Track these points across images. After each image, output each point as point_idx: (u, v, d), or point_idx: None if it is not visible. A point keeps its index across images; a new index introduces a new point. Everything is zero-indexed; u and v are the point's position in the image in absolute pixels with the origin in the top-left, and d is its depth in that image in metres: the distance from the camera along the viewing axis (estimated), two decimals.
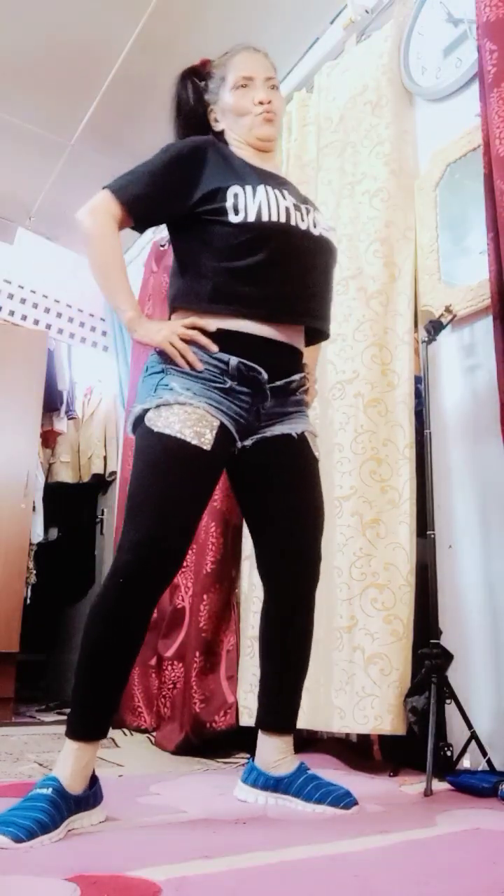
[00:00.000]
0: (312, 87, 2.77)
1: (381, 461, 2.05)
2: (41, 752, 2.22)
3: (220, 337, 1.43)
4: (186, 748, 2.26)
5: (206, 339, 1.42)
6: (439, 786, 1.61)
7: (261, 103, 1.60)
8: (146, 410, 1.40)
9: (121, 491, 3.26)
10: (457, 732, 1.74)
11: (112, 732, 2.68)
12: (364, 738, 2.05)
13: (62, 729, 3.07)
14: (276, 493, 1.53)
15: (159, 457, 1.37)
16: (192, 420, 1.37)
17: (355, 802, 1.42)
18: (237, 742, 2.21)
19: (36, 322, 3.90)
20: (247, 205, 1.44)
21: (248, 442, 1.49)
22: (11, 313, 3.83)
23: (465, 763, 1.71)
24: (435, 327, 1.99)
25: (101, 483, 4.29)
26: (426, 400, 1.96)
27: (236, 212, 1.44)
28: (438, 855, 1.12)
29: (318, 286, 1.53)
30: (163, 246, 3.49)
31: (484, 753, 1.67)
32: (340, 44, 2.71)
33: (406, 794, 1.59)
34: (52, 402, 4.04)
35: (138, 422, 1.43)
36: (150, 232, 3.80)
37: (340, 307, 2.27)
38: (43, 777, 1.29)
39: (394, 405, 2.10)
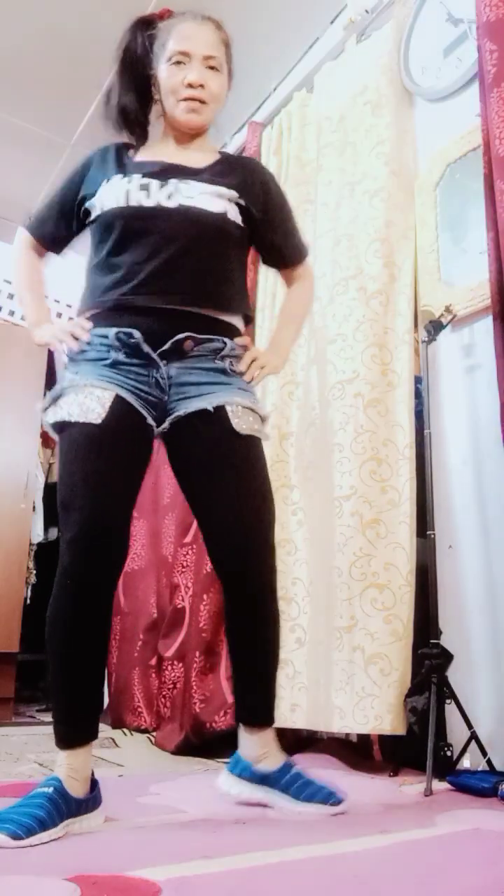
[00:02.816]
0: (312, 87, 2.77)
1: (381, 461, 2.05)
2: (41, 752, 2.22)
3: (99, 318, 1.44)
4: (186, 748, 2.26)
5: (82, 327, 1.45)
6: (439, 786, 1.61)
7: (189, 86, 1.47)
8: (45, 412, 1.42)
9: None
10: (457, 732, 1.74)
11: (112, 732, 2.68)
12: (364, 738, 2.05)
13: None
14: (200, 477, 1.44)
15: (62, 448, 1.37)
16: (78, 400, 1.36)
17: (341, 800, 1.39)
18: (237, 742, 2.20)
19: None
20: (103, 198, 1.46)
21: (166, 424, 1.42)
22: (11, 313, 3.83)
23: (465, 763, 1.71)
24: (435, 327, 1.99)
25: None
26: (426, 400, 1.96)
27: (98, 206, 1.47)
28: (438, 855, 1.12)
29: (183, 259, 1.42)
30: None
31: (484, 753, 1.67)
32: (340, 44, 2.71)
33: (406, 794, 1.59)
34: None
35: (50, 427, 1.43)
36: None
37: (340, 307, 2.27)
38: (45, 777, 1.28)
39: (394, 405, 2.10)
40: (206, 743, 2.24)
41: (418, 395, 2.07)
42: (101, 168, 1.53)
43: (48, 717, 3.30)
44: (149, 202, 1.43)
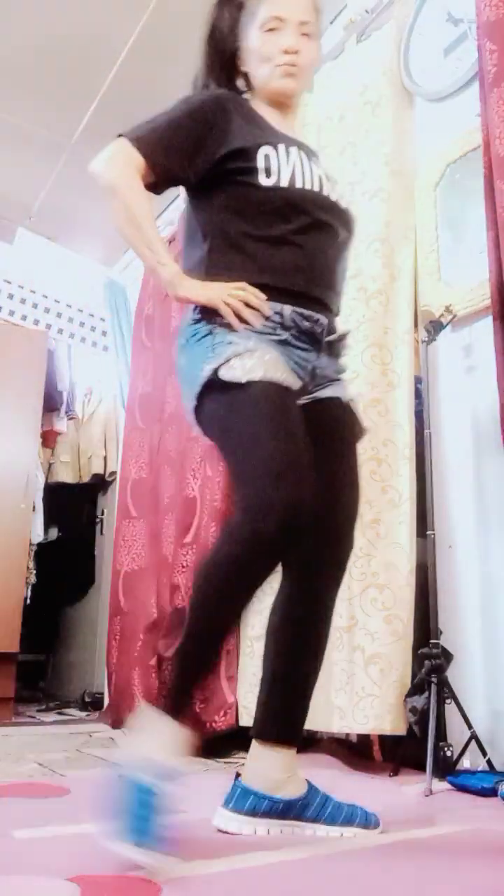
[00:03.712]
0: (313, 86, 2.77)
1: (381, 461, 2.05)
2: (41, 752, 2.22)
3: (271, 293, 1.30)
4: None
5: (257, 296, 1.28)
6: (439, 786, 1.60)
7: (285, 52, 1.38)
8: (216, 370, 1.22)
9: (120, 491, 3.25)
10: (457, 732, 1.74)
11: (112, 732, 2.69)
12: (364, 738, 2.05)
13: (62, 729, 3.09)
14: (321, 459, 1.31)
15: (259, 407, 1.20)
16: (271, 363, 1.23)
17: (378, 821, 1.27)
18: (237, 742, 2.21)
19: (36, 322, 3.90)
20: (280, 168, 1.31)
21: (300, 401, 1.33)
22: (11, 313, 3.83)
23: (465, 763, 1.71)
24: (435, 327, 1.99)
25: (101, 483, 4.29)
26: (426, 400, 1.96)
27: (268, 174, 1.31)
28: (438, 855, 1.12)
29: (339, 260, 1.42)
30: None
31: (484, 753, 1.67)
32: (340, 44, 2.71)
33: (406, 794, 1.59)
34: (52, 402, 4.04)
35: (208, 386, 1.24)
36: None
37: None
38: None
39: (394, 405, 2.10)
40: (206, 743, 2.24)
41: (418, 395, 2.07)
42: (251, 123, 1.38)
43: (48, 717, 3.31)
44: (333, 196, 1.39)
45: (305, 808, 1.24)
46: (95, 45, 2.81)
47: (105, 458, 4.17)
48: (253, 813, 1.22)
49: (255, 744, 1.29)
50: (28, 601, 3.45)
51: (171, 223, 3.51)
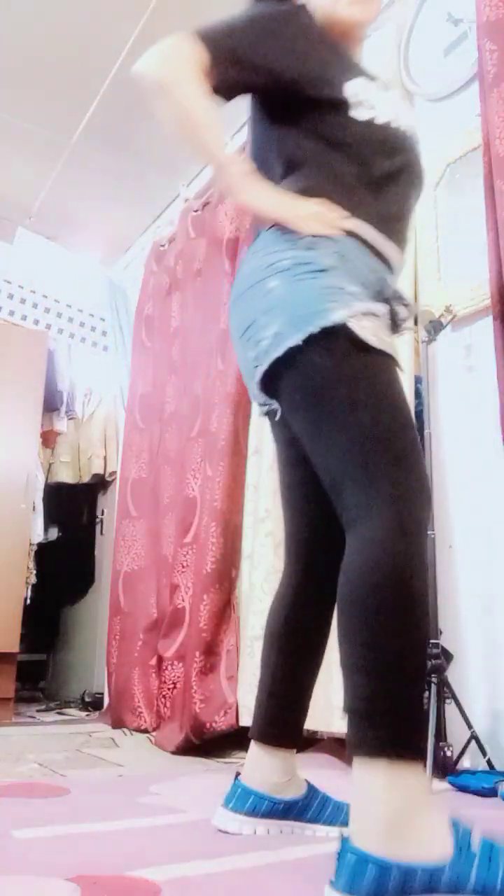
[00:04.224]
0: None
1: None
2: (41, 752, 2.22)
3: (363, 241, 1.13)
4: (186, 748, 2.26)
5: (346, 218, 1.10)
6: (439, 786, 1.60)
7: None
8: (348, 318, 1.03)
9: (120, 491, 3.25)
10: (457, 732, 1.74)
11: (112, 732, 2.69)
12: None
13: (62, 729, 3.09)
14: None
15: (393, 385, 1.05)
16: (381, 334, 1.06)
17: None
18: (237, 742, 2.21)
19: (36, 322, 3.90)
20: (377, 103, 1.18)
21: None
22: (11, 313, 3.83)
23: (465, 763, 1.71)
24: (435, 327, 1.99)
25: (101, 483, 4.29)
26: (426, 400, 1.96)
27: (366, 108, 1.16)
28: None
29: (414, 213, 1.27)
30: (163, 246, 3.49)
31: (484, 753, 1.67)
32: None
33: None
34: (52, 402, 4.04)
35: (327, 334, 1.02)
36: (152, 229, 3.81)
37: None
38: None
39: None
40: (206, 743, 2.24)
41: (418, 395, 2.07)
42: (336, 49, 1.24)
43: (48, 717, 3.32)
44: (417, 144, 1.25)
45: (306, 809, 1.22)
46: (95, 45, 2.81)
47: (105, 458, 4.17)
48: (253, 813, 1.20)
49: (254, 745, 1.25)
50: (28, 601, 3.45)
51: (171, 223, 3.51)
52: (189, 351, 2.98)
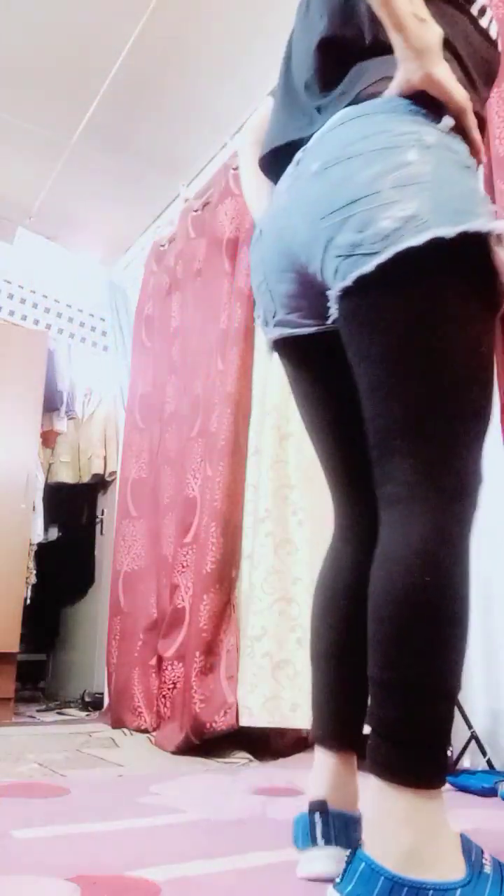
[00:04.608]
0: None
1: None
2: (41, 752, 2.22)
3: None
4: (186, 748, 2.26)
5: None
6: None
7: None
8: (492, 229, 0.82)
9: (120, 491, 3.25)
10: (457, 732, 1.74)
11: (112, 732, 2.69)
12: (364, 738, 2.05)
13: (62, 729, 3.09)
14: None
15: (492, 348, 0.88)
16: None
17: None
18: (237, 742, 2.21)
19: (36, 322, 3.90)
20: (492, 15, 1.04)
21: None
22: (11, 313, 3.83)
23: (465, 763, 1.71)
24: None
25: (101, 483, 4.29)
26: None
27: (482, 13, 1.02)
28: None
29: None
30: (163, 246, 3.49)
31: (484, 753, 1.67)
32: None
33: None
34: (52, 402, 4.04)
35: (474, 245, 0.82)
36: (152, 229, 3.81)
37: None
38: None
39: None
40: (206, 743, 2.24)
41: None
42: None
43: (48, 717, 3.32)
44: None
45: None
46: (95, 45, 2.81)
47: (105, 458, 4.17)
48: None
49: (333, 756, 1.00)
50: (28, 601, 3.45)
51: (171, 223, 3.51)
52: (189, 351, 2.98)
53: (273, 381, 2.44)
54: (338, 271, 0.87)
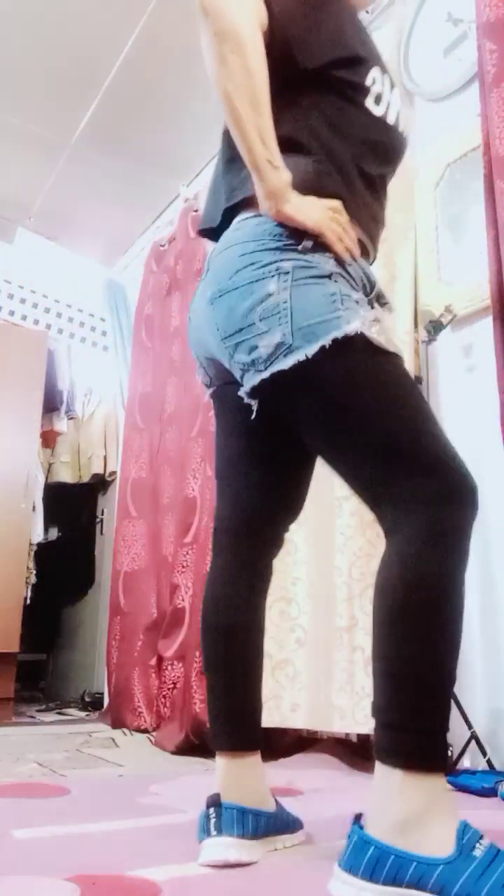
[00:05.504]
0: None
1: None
2: (41, 752, 2.22)
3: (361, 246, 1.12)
4: (186, 748, 2.26)
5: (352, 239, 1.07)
6: None
7: None
8: (361, 327, 0.98)
9: (120, 491, 3.25)
10: (457, 732, 1.74)
11: (112, 732, 2.69)
12: (364, 738, 2.05)
13: (62, 729, 3.08)
14: None
15: (411, 384, 1.02)
16: (385, 337, 1.02)
17: None
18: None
19: (36, 322, 3.90)
20: (389, 101, 1.14)
21: None
22: (11, 313, 3.83)
23: (465, 763, 1.71)
24: (435, 327, 1.99)
25: (101, 483, 4.29)
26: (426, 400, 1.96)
27: (377, 102, 1.11)
28: None
29: None
30: (162, 246, 3.49)
31: (484, 753, 1.67)
32: None
33: None
34: (52, 402, 4.04)
35: (343, 343, 0.97)
36: (152, 229, 3.81)
37: None
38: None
39: None
40: (206, 743, 2.24)
41: None
42: (360, 28, 1.19)
43: (48, 717, 3.32)
44: (401, 130, 1.19)
45: (282, 817, 1.12)
46: (95, 45, 2.81)
47: (105, 458, 4.17)
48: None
49: (230, 759, 1.10)
50: (28, 601, 3.45)
51: (171, 223, 3.51)
52: (189, 351, 2.97)
53: None
54: (241, 378, 1.07)
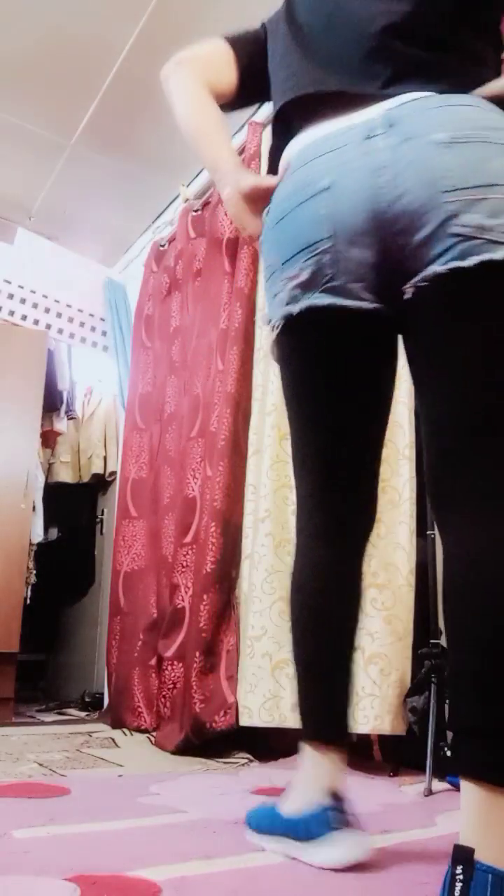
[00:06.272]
0: None
1: (381, 461, 2.05)
2: (41, 752, 2.22)
3: None
4: (186, 748, 2.26)
5: None
6: (439, 786, 1.61)
7: None
8: None
9: (120, 491, 3.25)
10: None
11: (112, 732, 2.69)
12: (364, 738, 2.05)
13: (62, 729, 3.08)
14: None
15: None
16: None
17: None
18: (237, 742, 2.21)
19: (36, 322, 3.90)
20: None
21: None
22: (11, 313, 3.83)
23: None
24: None
25: (101, 483, 4.29)
26: None
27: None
28: (438, 855, 1.12)
29: None
30: (162, 246, 3.49)
31: None
32: None
33: (406, 794, 1.59)
34: (52, 402, 4.04)
35: None
36: (152, 229, 3.81)
37: None
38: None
39: (394, 404, 2.09)
40: (206, 743, 2.23)
41: None
42: None
43: (48, 717, 3.32)
44: None
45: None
46: (95, 45, 2.81)
47: (105, 458, 4.17)
48: None
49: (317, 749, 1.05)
50: (28, 601, 3.45)
51: (171, 223, 3.51)
52: (189, 351, 2.98)
53: (273, 381, 2.44)
54: (449, 250, 0.85)
